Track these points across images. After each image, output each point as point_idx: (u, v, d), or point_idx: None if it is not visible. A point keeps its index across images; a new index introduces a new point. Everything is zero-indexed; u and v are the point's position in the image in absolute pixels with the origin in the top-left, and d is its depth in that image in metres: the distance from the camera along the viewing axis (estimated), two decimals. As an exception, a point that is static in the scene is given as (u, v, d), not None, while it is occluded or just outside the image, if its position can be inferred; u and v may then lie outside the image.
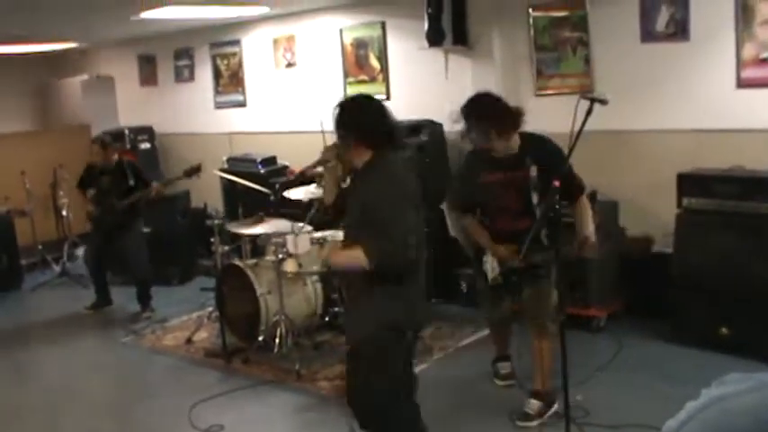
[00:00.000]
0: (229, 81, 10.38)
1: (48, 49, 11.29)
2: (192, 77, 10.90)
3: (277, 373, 6.00)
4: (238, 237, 7.17)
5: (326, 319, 6.70)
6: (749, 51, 5.97)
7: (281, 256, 6.32)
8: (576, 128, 4.02)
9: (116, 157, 7.91)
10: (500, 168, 4.87)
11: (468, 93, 7.42)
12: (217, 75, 10.52)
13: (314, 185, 6.57)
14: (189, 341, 6.92)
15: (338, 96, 8.66)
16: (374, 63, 8.62)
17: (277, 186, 7.10)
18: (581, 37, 6.92)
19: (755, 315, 5.48)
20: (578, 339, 5.80)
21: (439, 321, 6.94)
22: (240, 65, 10.18)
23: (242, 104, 10.20)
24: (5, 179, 9.60)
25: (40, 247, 9.89)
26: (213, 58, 10.52)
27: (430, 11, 7.32)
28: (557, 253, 4.23)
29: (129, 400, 5.98)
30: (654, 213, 6.52)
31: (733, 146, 6.10)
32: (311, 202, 6.75)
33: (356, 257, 3.66)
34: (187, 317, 7.66)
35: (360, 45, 8.72)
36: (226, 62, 10.36)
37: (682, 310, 5.93)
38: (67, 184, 9.55)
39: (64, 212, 9.79)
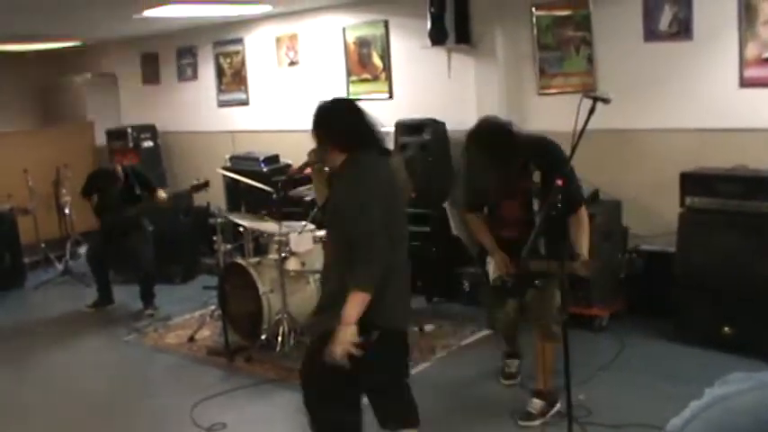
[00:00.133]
0: (232, 79, 10.38)
1: (51, 47, 11.30)
2: (194, 76, 10.90)
3: (279, 372, 6.00)
4: (241, 235, 7.17)
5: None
6: (752, 51, 5.96)
7: (283, 254, 6.33)
8: (579, 127, 4.01)
9: (120, 169, 7.91)
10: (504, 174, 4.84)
11: (471, 92, 7.51)
12: (220, 73, 10.52)
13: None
14: (191, 339, 6.92)
15: (341, 95, 8.75)
16: (377, 62, 8.62)
17: (279, 185, 7.10)
18: (584, 36, 6.92)
19: (758, 314, 5.48)
20: (581, 339, 5.80)
21: (441, 320, 6.95)
22: (243, 63, 10.18)
23: (245, 103, 10.21)
24: (8, 177, 9.60)
25: (42, 245, 9.90)
26: (216, 57, 10.52)
27: (433, 10, 7.32)
28: (561, 266, 4.20)
29: (132, 399, 5.98)
30: (657, 212, 6.51)
31: (736, 145, 6.09)
32: (314, 200, 6.76)
33: (352, 308, 3.62)
34: (190, 315, 7.66)
35: (363, 44, 8.72)
36: (229, 60, 10.36)
37: (684, 309, 5.93)
38: (70, 182, 9.56)
39: (66, 210, 9.79)
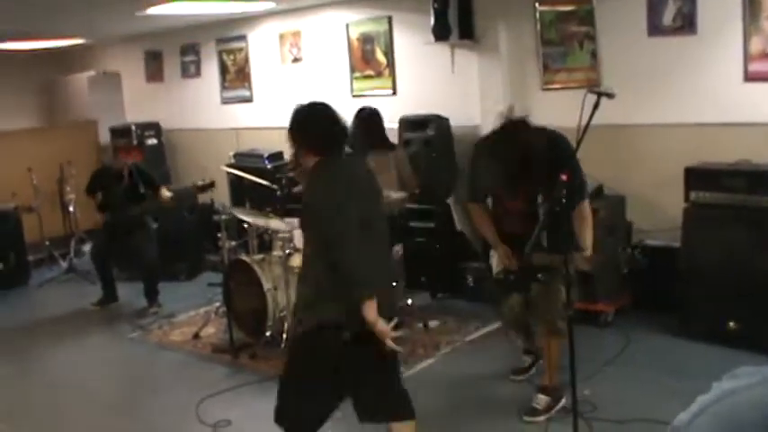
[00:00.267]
0: (236, 76, 10.38)
1: (54, 45, 11.31)
2: (198, 73, 10.90)
3: (284, 368, 5.99)
4: (245, 232, 7.17)
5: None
6: (756, 45, 5.94)
7: (287, 251, 6.33)
8: (583, 122, 4.01)
9: (126, 169, 7.92)
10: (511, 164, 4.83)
11: (475, 87, 7.50)
12: (223, 70, 10.53)
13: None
14: (196, 336, 6.93)
15: (345, 91, 8.77)
16: (380, 58, 8.62)
17: (283, 181, 7.10)
18: (588, 31, 6.91)
19: (763, 309, 5.46)
20: (586, 334, 5.79)
21: (445, 316, 6.95)
22: (246, 60, 10.18)
23: (248, 100, 10.21)
24: (12, 175, 9.62)
25: (47, 243, 9.92)
26: (219, 54, 10.52)
27: (436, 5, 7.31)
28: (566, 261, 4.19)
29: (137, 396, 5.99)
30: (661, 207, 6.50)
31: (740, 140, 6.07)
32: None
33: (369, 314, 3.70)
34: (194, 312, 7.67)
35: (366, 40, 8.71)
36: (232, 57, 10.36)
37: (689, 304, 5.92)
38: (74, 180, 9.57)
39: (71, 208, 9.79)
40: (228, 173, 8.40)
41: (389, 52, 8.52)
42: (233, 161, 9.25)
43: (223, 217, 6.79)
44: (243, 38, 10.15)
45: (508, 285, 5.02)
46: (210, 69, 10.70)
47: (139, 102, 11.84)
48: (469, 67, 7.64)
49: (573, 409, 4.23)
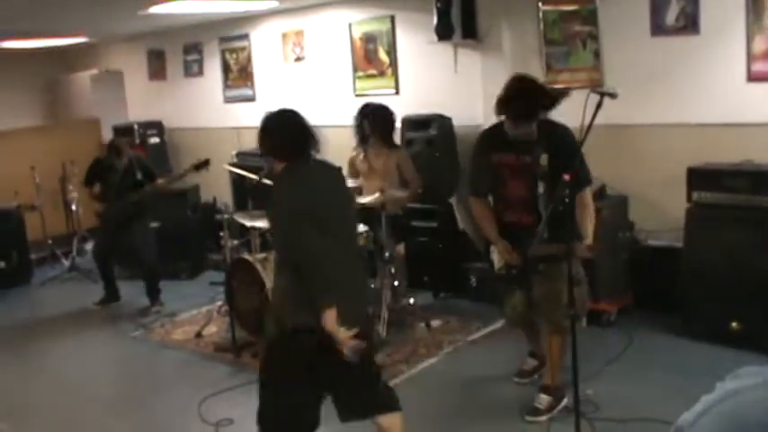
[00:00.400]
0: (238, 75, 10.38)
1: (57, 44, 11.32)
2: (201, 72, 10.90)
3: (286, 368, 5.99)
4: (248, 231, 7.17)
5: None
6: (760, 45, 5.94)
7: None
8: (586, 122, 4.01)
9: (126, 159, 7.93)
10: (513, 151, 4.86)
11: (478, 87, 7.50)
12: (226, 69, 10.53)
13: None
14: (198, 335, 6.93)
15: (347, 91, 8.77)
16: (383, 57, 8.62)
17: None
18: (591, 31, 6.90)
19: (766, 309, 5.46)
20: (588, 334, 5.80)
21: (447, 315, 6.95)
22: (249, 59, 10.18)
23: (251, 99, 10.20)
24: (15, 174, 9.64)
25: (49, 241, 9.93)
26: (222, 53, 10.52)
27: (439, 5, 7.31)
28: (568, 252, 4.20)
29: (139, 395, 5.99)
30: (663, 208, 6.50)
31: (743, 140, 6.07)
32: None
33: (328, 323, 3.72)
34: (197, 311, 7.68)
35: (369, 39, 8.71)
36: (235, 56, 10.36)
37: (692, 304, 5.92)
38: (77, 178, 9.58)
39: (73, 207, 9.80)
40: (231, 172, 8.38)
41: (392, 51, 8.52)
42: (235, 160, 9.24)
43: (225, 216, 6.80)
44: (246, 37, 10.15)
45: (510, 280, 5.03)
46: (213, 68, 10.70)
47: (142, 100, 11.85)
48: (472, 67, 7.64)
49: (575, 408, 4.24)
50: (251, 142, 9.79)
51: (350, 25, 8.85)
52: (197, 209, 9.38)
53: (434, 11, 7.37)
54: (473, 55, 7.64)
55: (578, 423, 4.22)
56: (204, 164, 7.45)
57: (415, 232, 7.52)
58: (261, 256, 6.66)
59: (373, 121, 6.93)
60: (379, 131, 6.92)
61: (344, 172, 7.28)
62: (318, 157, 4.14)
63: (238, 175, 7.63)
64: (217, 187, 9.42)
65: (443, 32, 7.40)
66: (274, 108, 4.14)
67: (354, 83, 8.92)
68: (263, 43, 9.95)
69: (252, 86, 10.23)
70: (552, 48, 7.17)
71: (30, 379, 6.49)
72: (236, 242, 7.04)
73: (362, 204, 6.77)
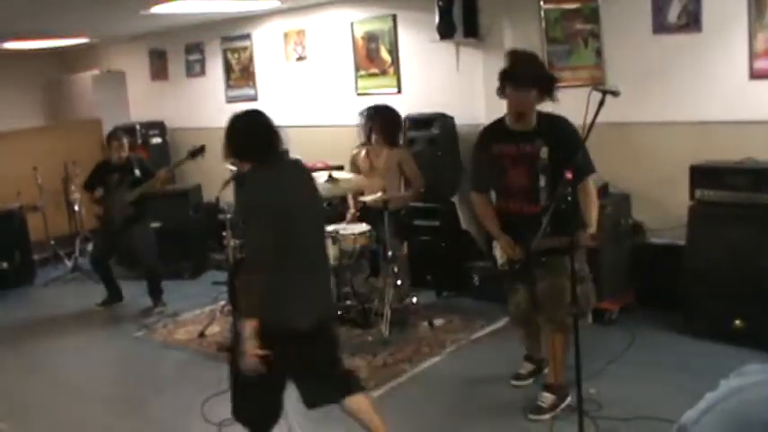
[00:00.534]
0: (240, 75, 10.38)
1: (59, 44, 11.32)
2: (203, 72, 10.91)
3: (289, 367, 5.99)
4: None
5: (339, 312, 6.70)
6: (762, 42, 5.93)
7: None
8: (588, 120, 4.01)
9: (125, 153, 7.95)
10: (513, 142, 4.88)
11: (480, 86, 7.50)
12: (228, 69, 10.53)
13: (324, 179, 6.57)
14: (201, 335, 6.93)
15: (349, 90, 8.78)
16: (385, 56, 8.61)
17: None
18: (592, 29, 6.90)
19: (769, 307, 5.47)
20: (591, 332, 5.79)
21: (450, 314, 6.94)
22: (251, 59, 10.18)
23: (253, 98, 10.20)
24: (17, 175, 9.65)
25: (52, 242, 9.95)
26: (224, 53, 10.53)
27: (441, 3, 7.31)
28: (572, 245, 4.20)
29: (142, 395, 5.99)
30: (666, 205, 6.49)
31: (745, 137, 6.06)
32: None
33: (247, 331, 3.82)
34: (199, 311, 7.68)
35: (371, 38, 8.71)
36: (237, 56, 10.37)
37: (695, 302, 5.91)
38: (79, 179, 9.58)
39: (76, 207, 9.80)
40: (233, 171, 8.38)
41: (394, 50, 8.52)
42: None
43: (228, 216, 6.79)
44: (247, 36, 10.16)
45: (513, 275, 5.03)
46: (215, 68, 10.70)
47: (144, 101, 11.85)
48: (474, 66, 7.63)
49: (578, 407, 4.24)
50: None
51: (352, 24, 8.85)
52: (199, 209, 9.38)
53: (436, 10, 7.37)
54: (475, 54, 7.64)
55: (581, 422, 4.22)
56: (199, 150, 7.47)
57: (418, 231, 7.52)
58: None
59: (377, 121, 6.95)
60: (382, 131, 6.93)
61: (346, 169, 7.34)
62: (291, 157, 4.21)
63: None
64: (219, 187, 9.41)
65: (445, 31, 7.40)
66: (240, 110, 4.21)
67: (356, 82, 8.92)
68: (265, 43, 9.95)
69: (254, 86, 10.22)
70: (554, 46, 7.16)
71: (32, 379, 6.49)
72: (238, 242, 7.04)
73: (364, 203, 6.79)
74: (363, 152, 7.10)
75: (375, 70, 8.74)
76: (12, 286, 9.16)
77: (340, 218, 7.24)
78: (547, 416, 4.90)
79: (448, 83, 7.94)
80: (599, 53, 6.88)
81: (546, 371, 5.30)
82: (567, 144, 4.60)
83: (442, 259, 7.48)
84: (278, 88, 9.88)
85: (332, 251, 6.54)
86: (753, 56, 5.99)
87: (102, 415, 5.66)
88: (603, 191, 6.41)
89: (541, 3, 7.17)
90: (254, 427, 4.29)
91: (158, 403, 5.76)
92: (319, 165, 8.73)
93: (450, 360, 6.06)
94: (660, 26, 6.46)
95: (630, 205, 6.67)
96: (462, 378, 5.70)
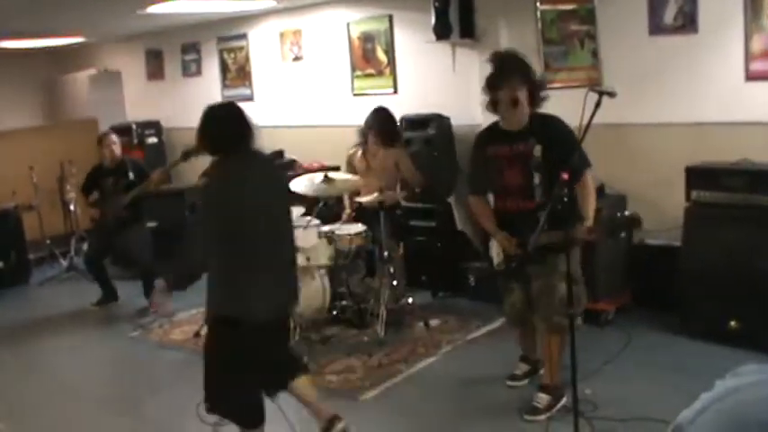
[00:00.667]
0: (236, 75, 10.39)
1: (55, 43, 11.31)
2: (199, 72, 10.91)
3: (285, 367, 5.98)
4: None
5: (334, 313, 6.70)
6: (758, 44, 5.94)
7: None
8: (585, 121, 4.02)
9: (118, 154, 7.94)
10: (507, 142, 4.93)
11: (476, 86, 7.48)
12: (224, 69, 10.53)
13: (320, 179, 6.58)
14: (197, 335, 6.90)
15: (345, 90, 8.78)
16: (381, 57, 8.62)
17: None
18: (589, 30, 6.90)
19: (764, 308, 5.46)
20: (587, 333, 5.80)
21: (446, 315, 6.94)
22: (247, 59, 10.19)
23: (249, 98, 10.19)
24: (13, 174, 9.63)
25: (47, 241, 9.92)
26: (220, 53, 10.53)
27: (437, 4, 7.31)
28: (567, 241, 4.21)
29: (137, 395, 5.98)
30: (662, 207, 6.49)
31: (741, 139, 6.07)
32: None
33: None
34: (195, 311, 7.63)
35: (367, 38, 8.71)
36: (233, 56, 10.37)
37: (690, 303, 5.92)
38: (75, 178, 9.57)
39: (71, 207, 9.78)
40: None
41: (390, 51, 8.52)
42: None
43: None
44: (243, 36, 10.16)
45: (509, 274, 5.04)
46: (211, 68, 10.70)
47: (140, 100, 11.85)
48: (470, 66, 7.63)
49: (574, 407, 4.24)
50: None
51: (348, 24, 8.85)
52: (195, 208, 9.36)
53: (432, 10, 7.37)
54: (471, 54, 7.64)
55: (577, 422, 4.22)
56: (195, 150, 7.45)
57: (414, 232, 7.52)
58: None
59: (374, 121, 6.96)
60: (378, 132, 6.94)
61: (342, 170, 7.34)
62: (264, 152, 4.27)
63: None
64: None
65: (441, 32, 7.40)
66: (215, 102, 4.30)
67: (352, 82, 8.92)
68: (261, 43, 9.95)
69: (250, 86, 10.23)
70: (550, 47, 7.16)
71: (28, 379, 6.48)
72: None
73: (360, 203, 6.79)
74: (360, 152, 7.11)
75: (371, 71, 8.75)
76: (7, 285, 9.14)
77: (336, 218, 7.24)
78: (542, 416, 4.89)
79: (444, 83, 7.95)
80: (595, 54, 6.89)
81: (542, 371, 5.29)
82: (560, 142, 4.67)
83: (437, 260, 7.48)
84: (274, 88, 9.88)
85: (328, 251, 6.55)
86: (749, 57, 5.99)
87: (98, 415, 5.66)
88: (600, 192, 6.41)
89: (537, 4, 7.17)
90: (238, 419, 4.34)
91: (154, 403, 5.75)
92: (315, 165, 8.74)
93: (445, 360, 6.06)
94: (656, 27, 6.46)
95: (626, 206, 6.66)
96: (458, 378, 5.69)
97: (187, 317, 7.54)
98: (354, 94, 8.85)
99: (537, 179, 4.79)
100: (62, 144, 10.42)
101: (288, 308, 4.54)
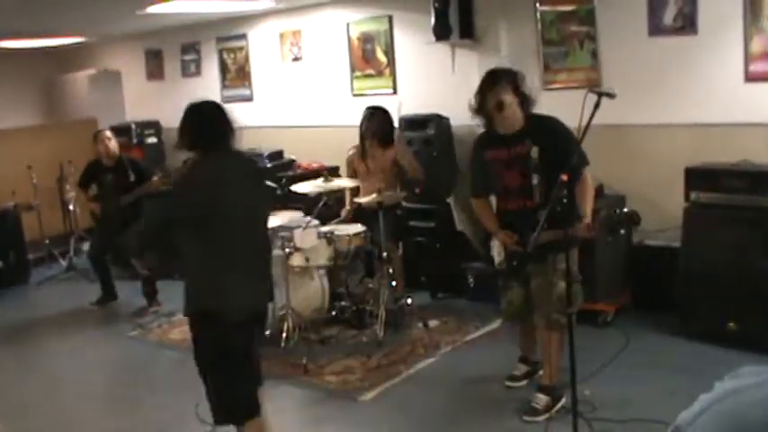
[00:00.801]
0: (236, 75, 10.38)
1: (55, 43, 11.31)
2: (198, 72, 10.90)
3: (284, 368, 5.99)
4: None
5: (333, 313, 6.70)
6: (757, 45, 5.94)
7: (287, 250, 6.33)
8: (584, 122, 4.02)
9: (114, 152, 7.95)
10: (504, 145, 4.96)
11: (475, 87, 7.48)
12: (223, 69, 10.53)
13: (320, 179, 6.58)
14: (196, 335, 6.91)
15: (345, 91, 8.78)
16: (381, 57, 8.61)
17: (284, 180, 7.10)
18: (588, 31, 6.90)
19: (763, 309, 5.46)
20: (586, 334, 5.78)
21: (445, 315, 6.94)
22: (247, 59, 10.18)
23: (249, 99, 10.20)
24: (12, 174, 9.62)
25: (47, 241, 9.92)
26: (220, 53, 10.52)
27: (437, 5, 7.31)
28: (567, 240, 4.22)
29: (136, 395, 5.98)
30: (661, 207, 6.49)
31: (741, 140, 6.07)
32: (319, 196, 6.77)
33: None
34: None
35: (366, 39, 8.71)
36: (232, 56, 10.36)
37: (690, 304, 5.92)
38: (74, 178, 9.56)
39: (71, 207, 9.78)
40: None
41: (390, 51, 8.52)
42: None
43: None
44: (243, 37, 10.15)
45: (510, 272, 5.04)
46: (211, 68, 10.70)
47: (140, 100, 11.84)
48: (470, 67, 7.63)
49: (573, 408, 4.24)
50: (249, 142, 9.82)
51: (347, 25, 8.85)
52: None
53: (432, 11, 7.37)
54: (470, 55, 7.64)
55: (576, 423, 4.22)
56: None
57: (413, 232, 7.52)
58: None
59: (370, 122, 6.97)
60: (375, 132, 6.95)
61: (342, 173, 7.35)
62: (244, 152, 4.29)
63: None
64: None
65: (441, 32, 7.40)
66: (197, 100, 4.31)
67: (352, 83, 8.92)
68: (261, 43, 9.95)
69: (249, 86, 10.22)
70: (550, 48, 7.17)
71: (26, 379, 6.48)
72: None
73: (359, 204, 6.79)
74: (358, 155, 7.11)
75: (371, 71, 8.74)
76: (6, 285, 9.14)
77: (335, 217, 7.24)
78: (541, 417, 4.89)
79: (443, 84, 7.94)
80: (595, 55, 6.89)
81: (540, 372, 5.29)
82: (558, 141, 4.70)
83: (437, 260, 7.48)
84: (273, 89, 9.88)
85: (327, 252, 6.55)
86: (748, 58, 6.00)
87: (97, 415, 5.66)
88: (599, 192, 6.41)
89: (537, 5, 7.17)
90: (234, 418, 4.33)
91: (153, 403, 5.75)
92: (315, 165, 8.75)
93: (444, 361, 6.06)
94: (656, 28, 6.47)
95: (626, 207, 6.65)
96: (457, 379, 5.70)
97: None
98: (354, 95, 8.85)
99: (536, 180, 4.80)
100: (62, 144, 10.41)
101: (262, 307, 4.47)
